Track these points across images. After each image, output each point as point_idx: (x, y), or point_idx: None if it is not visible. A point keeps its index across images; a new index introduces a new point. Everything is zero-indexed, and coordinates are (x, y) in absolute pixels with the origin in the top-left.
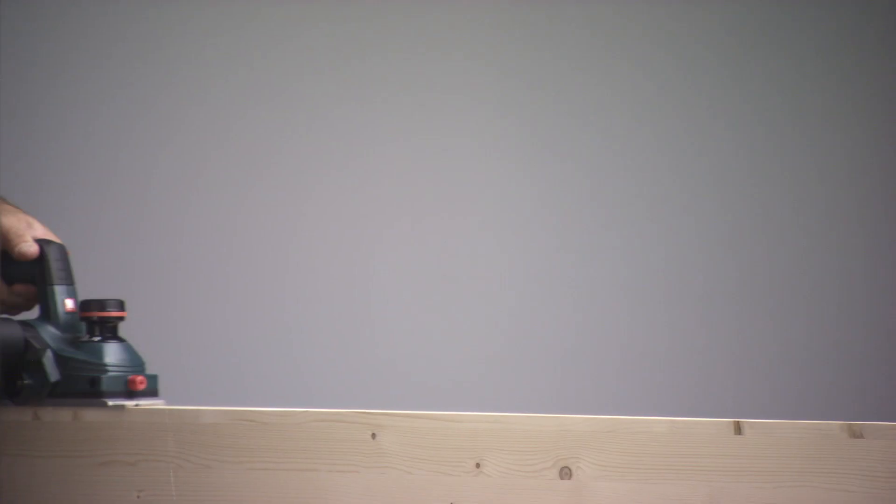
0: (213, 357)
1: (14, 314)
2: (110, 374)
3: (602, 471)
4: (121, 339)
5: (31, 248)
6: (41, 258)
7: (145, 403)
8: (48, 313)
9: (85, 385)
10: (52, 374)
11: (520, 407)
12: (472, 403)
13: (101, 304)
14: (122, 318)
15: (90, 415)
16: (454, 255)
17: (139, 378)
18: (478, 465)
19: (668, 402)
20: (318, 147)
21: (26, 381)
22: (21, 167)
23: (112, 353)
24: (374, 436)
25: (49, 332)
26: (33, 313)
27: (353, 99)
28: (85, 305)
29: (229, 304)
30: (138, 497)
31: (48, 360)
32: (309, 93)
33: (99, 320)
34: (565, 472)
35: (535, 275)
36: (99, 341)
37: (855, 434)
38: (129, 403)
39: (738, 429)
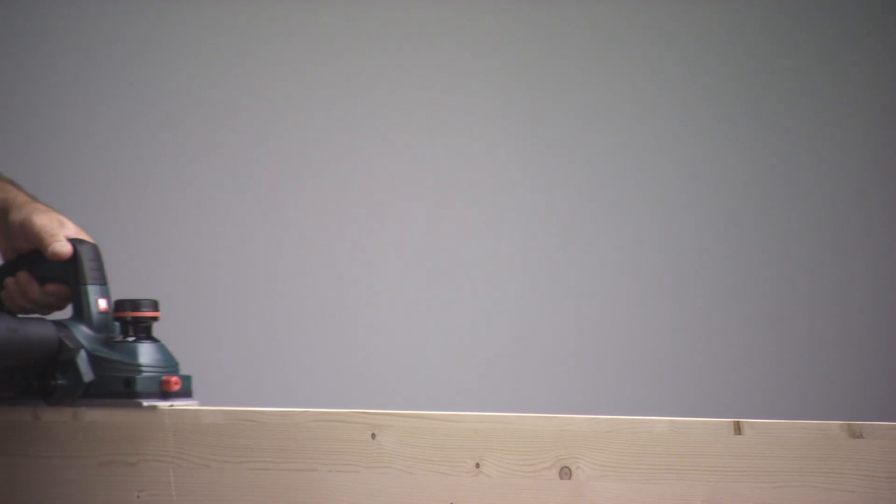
0: (213, 357)
1: (46, 314)
2: (145, 374)
3: (602, 471)
4: (155, 340)
5: (65, 248)
6: (74, 258)
7: (179, 404)
8: (81, 313)
9: (119, 385)
10: (86, 374)
11: (520, 407)
12: (472, 403)
13: (134, 305)
14: (155, 319)
15: (90, 415)
16: (454, 255)
17: (174, 379)
18: (478, 465)
19: (668, 402)
20: (319, 148)
21: (60, 382)
22: (27, 165)
23: (146, 354)
24: (374, 436)
25: (82, 332)
26: (66, 313)
27: (356, 99)
28: (119, 305)
29: (229, 305)
30: (138, 497)
31: (82, 360)
32: (309, 93)
33: (133, 320)
34: (565, 473)
35: (535, 275)
36: (133, 341)
37: (855, 434)
38: (164, 404)
39: (738, 429)
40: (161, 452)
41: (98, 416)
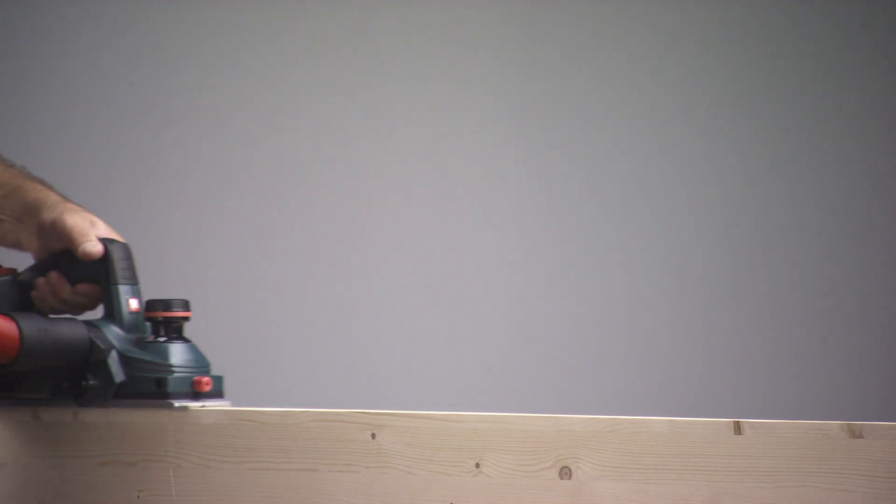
0: (213, 357)
1: (77, 314)
2: (176, 374)
3: (602, 471)
4: (186, 340)
5: (96, 248)
6: (105, 257)
7: (211, 404)
8: (112, 313)
9: (151, 386)
10: (118, 374)
11: (520, 407)
12: (472, 403)
13: (165, 304)
14: (187, 319)
15: (90, 415)
16: (454, 255)
17: (205, 379)
18: (478, 465)
19: (668, 402)
20: (319, 149)
21: (91, 382)
22: (31, 164)
23: (178, 354)
24: (374, 436)
25: (114, 333)
26: (97, 313)
27: (361, 98)
28: (150, 305)
29: (228, 305)
30: (138, 497)
31: (113, 360)
32: (313, 93)
33: (164, 320)
34: (565, 472)
35: (535, 275)
36: (164, 342)
37: (855, 434)
38: (195, 405)
39: (738, 429)
40: (161, 452)
41: (98, 416)
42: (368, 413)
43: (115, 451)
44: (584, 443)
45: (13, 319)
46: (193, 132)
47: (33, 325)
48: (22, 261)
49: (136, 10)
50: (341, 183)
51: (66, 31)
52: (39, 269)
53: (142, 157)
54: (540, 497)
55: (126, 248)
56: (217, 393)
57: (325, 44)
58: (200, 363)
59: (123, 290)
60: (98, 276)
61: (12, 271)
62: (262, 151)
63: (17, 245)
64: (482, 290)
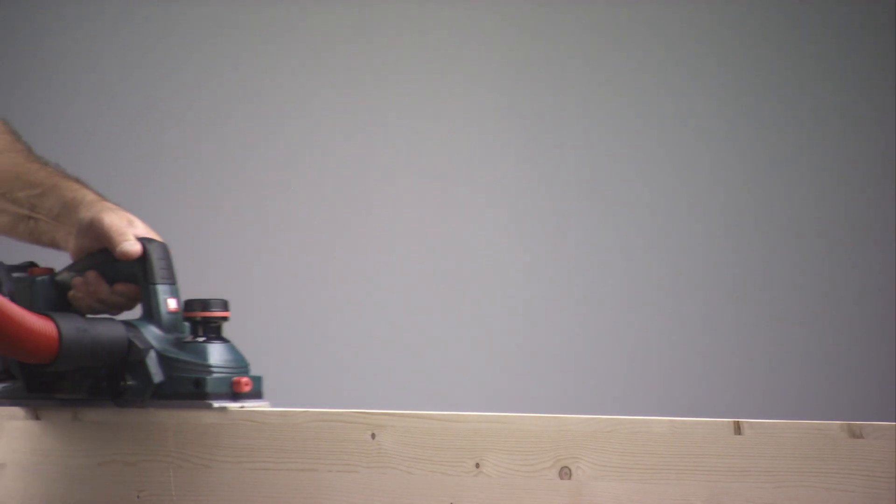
0: None
1: (115, 314)
2: (215, 375)
3: (602, 471)
4: (225, 340)
5: (134, 247)
6: (143, 257)
7: (250, 405)
8: (150, 313)
9: (189, 386)
10: (156, 374)
11: (520, 407)
12: (472, 403)
13: (204, 304)
14: (225, 319)
15: (90, 415)
16: (455, 254)
17: (244, 379)
18: (477, 465)
19: (668, 402)
20: (317, 146)
21: (129, 383)
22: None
23: (217, 354)
24: (374, 436)
25: (152, 333)
26: (135, 313)
27: (363, 98)
28: (188, 305)
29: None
30: (138, 497)
31: (152, 360)
32: (314, 93)
33: (202, 320)
34: (565, 473)
35: (535, 275)
36: (203, 342)
37: (855, 434)
38: (234, 405)
39: (738, 429)
40: (161, 452)
41: (98, 416)
42: (368, 413)
43: (115, 451)
44: (584, 443)
45: (52, 319)
46: (194, 132)
47: (72, 325)
48: (59, 260)
49: (136, 10)
50: (339, 183)
51: (66, 31)
52: (77, 268)
53: (142, 157)
54: (540, 497)
55: (164, 248)
56: (256, 393)
57: (325, 43)
58: (239, 363)
59: (162, 289)
60: (136, 275)
61: (49, 271)
62: (262, 152)
63: (53, 244)
64: (482, 291)
